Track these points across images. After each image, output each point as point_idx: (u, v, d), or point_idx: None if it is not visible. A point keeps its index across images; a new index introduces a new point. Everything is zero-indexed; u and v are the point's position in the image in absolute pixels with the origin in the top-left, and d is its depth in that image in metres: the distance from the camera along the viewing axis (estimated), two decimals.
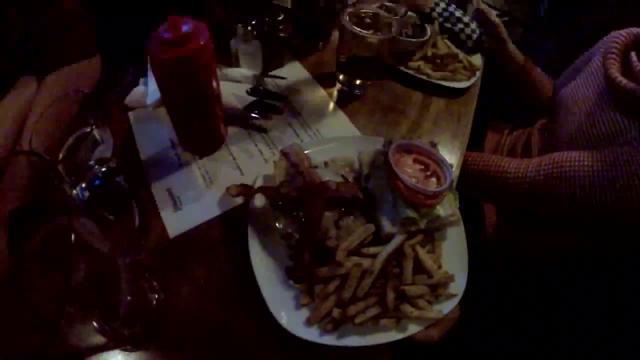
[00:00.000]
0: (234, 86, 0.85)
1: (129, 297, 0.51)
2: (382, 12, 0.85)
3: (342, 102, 0.89)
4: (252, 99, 0.83)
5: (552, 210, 0.84)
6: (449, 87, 0.98)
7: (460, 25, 1.07)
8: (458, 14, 1.08)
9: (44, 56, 0.70)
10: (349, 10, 0.83)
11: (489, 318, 0.94)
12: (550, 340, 0.93)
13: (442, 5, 1.09)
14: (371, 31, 0.80)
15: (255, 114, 0.81)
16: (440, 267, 0.64)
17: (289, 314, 0.56)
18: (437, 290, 0.61)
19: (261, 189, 0.64)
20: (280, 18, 0.89)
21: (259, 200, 0.65)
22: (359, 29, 0.79)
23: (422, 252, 0.63)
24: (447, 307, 0.60)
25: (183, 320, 0.56)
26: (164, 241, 0.62)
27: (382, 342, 0.57)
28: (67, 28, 0.71)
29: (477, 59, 1.07)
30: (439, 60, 0.99)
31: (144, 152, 0.72)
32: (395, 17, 0.84)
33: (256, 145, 0.78)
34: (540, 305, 0.97)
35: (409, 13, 1.01)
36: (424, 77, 0.98)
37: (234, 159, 0.73)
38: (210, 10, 0.90)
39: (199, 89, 0.59)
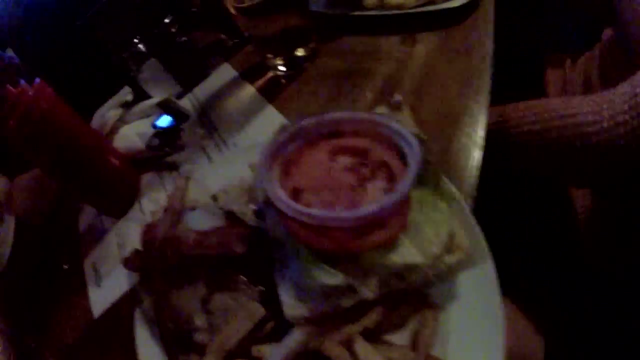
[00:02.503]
0: (141, 123, 0.67)
1: None
2: None
3: (274, 92, 0.65)
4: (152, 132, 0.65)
5: None
6: (438, 12, 0.59)
7: None
8: None
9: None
10: None
11: None
12: None
13: None
14: None
15: (158, 149, 0.64)
16: None
17: None
18: None
19: (126, 260, 0.44)
20: (167, 20, 0.67)
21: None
22: None
23: (366, 351, 0.28)
24: None
25: None
26: (88, 321, 0.51)
27: None
28: None
29: None
30: None
31: (82, 224, 0.64)
32: None
33: (167, 191, 0.61)
34: None
35: None
36: (394, 12, 0.62)
37: (143, 214, 0.60)
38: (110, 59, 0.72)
39: (57, 149, 0.52)
